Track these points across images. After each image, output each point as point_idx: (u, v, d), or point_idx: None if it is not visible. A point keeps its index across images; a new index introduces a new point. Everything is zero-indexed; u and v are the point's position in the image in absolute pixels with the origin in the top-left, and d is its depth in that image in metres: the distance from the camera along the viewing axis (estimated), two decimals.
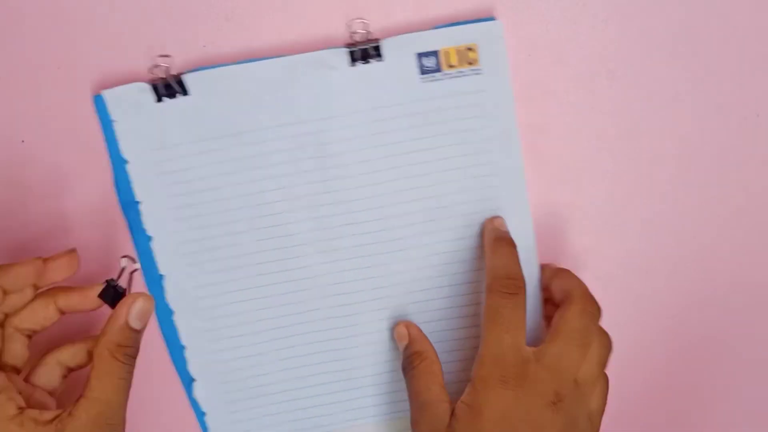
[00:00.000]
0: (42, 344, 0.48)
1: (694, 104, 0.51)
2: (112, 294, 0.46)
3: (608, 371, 0.49)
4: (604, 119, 0.51)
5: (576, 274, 0.50)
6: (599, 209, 0.52)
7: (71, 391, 0.47)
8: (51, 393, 0.46)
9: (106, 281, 0.46)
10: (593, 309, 0.46)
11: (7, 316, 0.45)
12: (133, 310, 0.44)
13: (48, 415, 0.42)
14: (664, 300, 0.53)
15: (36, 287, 0.46)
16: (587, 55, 0.50)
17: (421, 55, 0.48)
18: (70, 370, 0.47)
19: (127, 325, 0.44)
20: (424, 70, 0.49)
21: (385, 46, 0.48)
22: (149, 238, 0.50)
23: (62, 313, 0.46)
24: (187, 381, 0.52)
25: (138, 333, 0.44)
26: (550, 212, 0.52)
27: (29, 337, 0.46)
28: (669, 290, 0.53)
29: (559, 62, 0.50)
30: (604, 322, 0.50)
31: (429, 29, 0.48)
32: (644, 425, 0.55)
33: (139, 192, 0.49)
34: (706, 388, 0.54)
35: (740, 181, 0.52)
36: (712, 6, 0.49)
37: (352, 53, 0.48)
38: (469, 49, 0.48)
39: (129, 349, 0.43)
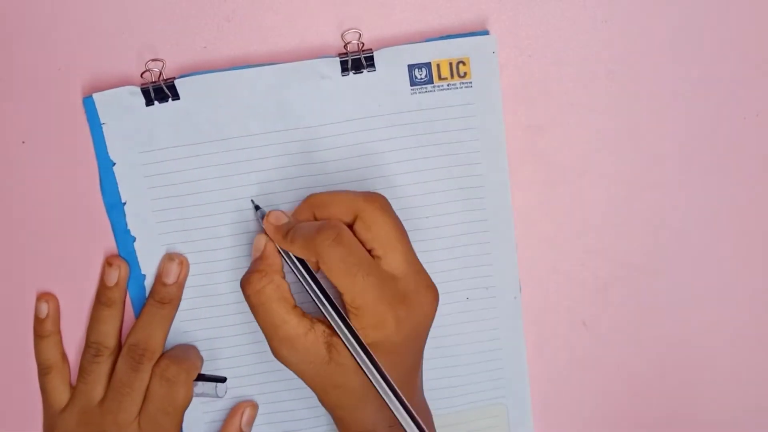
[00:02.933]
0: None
1: (694, 104, 0.51)
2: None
3: (607, 370, 0.50)
4: (604, 119, 0.51)
5: (570, 275, 0.51)
6: (599, 209, 0.52)
7: None
8: None
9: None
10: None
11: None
12: (244, 417, 0.52)
13: None
14: (665, 300, 0.54)
15: None
16: (587, 55, 0.50)
17: (413, 67, 0.49)
18: None
19: (240, 429, 0.52)
20: (415, 82, 0.49)
21: (378, 57, 0.48)
22: (133, 239, 0.50)
23: None
24: None
25: None
26: (550, 212, 0.52)
27: None
28: (669, 290, 0.54)
29: (559, 62, 0.50)
30: (605, 323, 0.51)
31: (422, 41, 0.48)
32: (644, 423, 0.56)
33: (125, 193, 0.49)
34: (705, 381, 0.55)
35: (740, 181, 0.52)
36: (712, 6, 0.49)
37: (344, 63, 0.48)
38: (461, 62, 0.49)
39: None
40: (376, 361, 0.43)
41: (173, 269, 0.50)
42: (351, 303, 0.43)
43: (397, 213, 0.49)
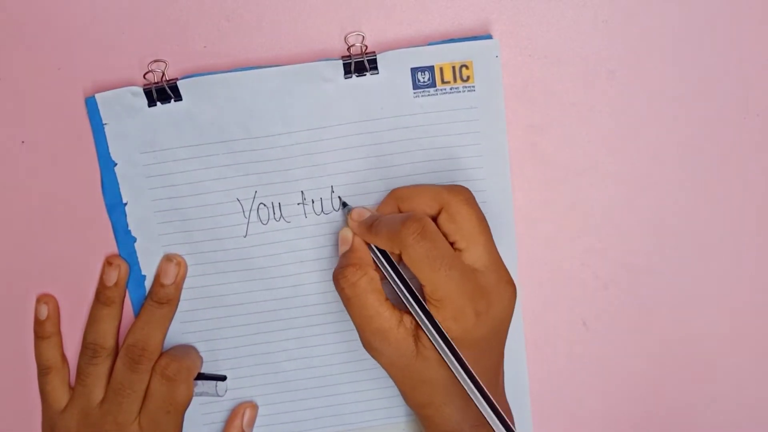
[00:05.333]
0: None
1: (694, 104, 0.51)
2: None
3: (607, 370, 0.50)
4: (604, 119, 0.51)
5: (570, 275, 0.51)
6: (599, 209, 0.52)
7: None
8: None
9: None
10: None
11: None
12: (245, 418, 0.52)
13: None
14: (665, 300, 0.54)
15: None
16: (587, 55, 0.50)
17: (416, 70, 0.49)
18: None
19: (242, 430, 0.52)
20: (418, 85, 0.49)
21: (381, 60, 0.48)
22: (133, 239, 0.50)
23: None
24: None
25: None
26: (551, 212, 0.52)
27: None
28: (669, 290, 0.53)
29: (559, 62, 0.50)
30: (605, 323, 0.51)
31: (425, 45, 0.49)
32: (643, 423, 0.56)
33: (126, 194, 0.50)
34: (705, 381, 0.55)
35: (740, 181, 0.52)
36: (712, 6, 0.49)
37: (347, 65, 0.48)
38: (464, 66, 0.49)
39: None
40: (459, 354, 0.44)
41: (171, 270, 0.50)
42: (432, 295, 0.43)
43: None
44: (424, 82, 0.49)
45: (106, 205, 0.50)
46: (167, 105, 0.48)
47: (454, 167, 0.50)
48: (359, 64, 0.48)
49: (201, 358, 0.52)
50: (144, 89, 0.48)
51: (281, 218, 0.50)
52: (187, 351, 0.51)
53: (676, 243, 0.53)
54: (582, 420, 0.55)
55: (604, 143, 0.51)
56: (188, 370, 0.49)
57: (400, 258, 0.44)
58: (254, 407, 0.53)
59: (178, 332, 0.52)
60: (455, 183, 0.49)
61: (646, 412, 0.55)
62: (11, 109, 0.49)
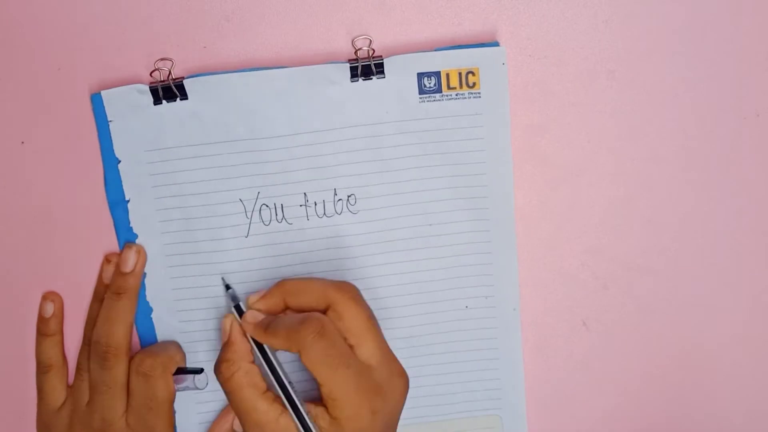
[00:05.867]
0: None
1: (694, 104, 0.51)
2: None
3: (607, 370, 0.50)
4: (604, 119, 0.51)
5: (570, 275, 0.51)
6: (599, 209, 0.52)
7: None
8: None
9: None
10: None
11: None
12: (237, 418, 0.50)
13: None
14: (665, 300, 0.53)
15: None
16: (587, 55, 0.50)
17: (422, 75, 0.49)
18: None
19: (232, 429, 0.52)
20: (424, 90, 0.49)
21: (388, 64, 0.49)
22: (135, 237, 0.50)
23: None
24: None
25: None
26: (550, 212, 0.52)
27: None
28: (669, 290, 0.53)
29: (559, 62, 0.50)
30: (605, 323, 0.51)
31: (432, 50, 0.49)
32: (643, 423, 0.55)
33: (129, 191, 0.50)
34: (705, 382, 0.54)
35: (740, 181, 0.52)
36: (713, 6, 0.50)
37: (354, 69, 0.49)
38: (471, 72, 0.49)
39: None
40: None
41: (131, 257, 0.50)
42: (329, 395, 0.44)
43: (401, 220, 0.50)
44: (430, 87, 0.49)
45: (109, 202, 0.50)
46: (173, 103, 0.49)
47: (458, 173, 0.50)
48: (366, 68, 0.49)
49: (182, 353, 0.51)
50: (150, 87, 0.48)
51: (283, 219, 0.51)
52: (164, 346, 0.51)
53: (676, 243, 0.53)
54: (581, 420, 0.55)
55: (604, 143, 0.51)
56: (164, 366, 0.49)
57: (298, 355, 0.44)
58: None
59: (176, 330, 0.52)
60: (456, 189, 0.49)
61: (646, 412, 0.55)
62: (11, 109, 0.50)
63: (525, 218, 0.52)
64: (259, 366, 0.46)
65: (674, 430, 0.55)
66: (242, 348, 0.46)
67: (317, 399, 0.45)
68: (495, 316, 0.52)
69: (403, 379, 0.46)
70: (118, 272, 0.50)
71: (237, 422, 0.51)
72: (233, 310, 0.47)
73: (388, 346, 0.46)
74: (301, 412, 0.44)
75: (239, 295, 0.49)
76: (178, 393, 0.50)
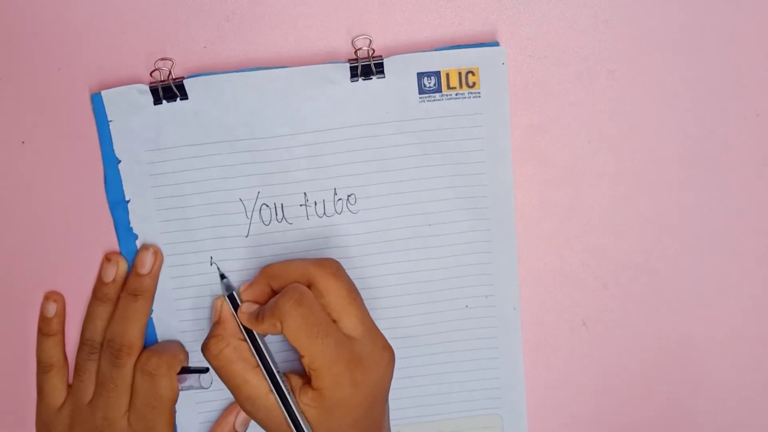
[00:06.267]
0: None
1: (694, 104, 0.51)
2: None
3: (607, 370, 0.50)
4: (604, 119, 0.51)
5: (570, 274, 0.51)
6: (599, 209, 0.52)
7: None
8: None
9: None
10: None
11: None
12: (239, 417, 0.52)
13: None
14: (665, 300, 0.53)
15: None
16: (587, 55, 0.50)
17: (422, 75, 0.49)
18: None
19: (234, 429, 0.52)
20: (424, 90, 0.49)
21: (388, 64, 0.49)
22: (135, 237, 0.50)
23: None
24: None
25: None
26: (550, 212, 0.52)
27: None
28: (669, 290, 0.53)
29: (559, 62, 0.50)
30: (605, 323, 0.50)
31: (432, 50, 0.49)
32: (643, 423, 0.55)
33: (129, 191, 0.50)
34: (705, 382, 0.54)
35: (740, 181, 0.52)
36: (712, 6, 0.50)
37: (354, 68, 0.49)
38: (471, 72, 0.49)
39: None
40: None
41: (148, 259, 0.50)
42: (310, 365, 0.44)
43: (401, 220, 0.50)
44: (429, 87, 0.49)
45: (109, 201, 0.50)
46: (173, 103, 0.49)
47: (458, 173, 0.50)
48: (366, 68, 0.49)
49: (185, 352, 0.52)
50: (150, 87, 0.48)
51: (283, 219, 0.51)
52: (168, 345, 0.51)
53: (675, 243, 0.53)
54: (581, 420, 0.55)
55: (604, 143, 0.51)
56: (168, 364, 0.49)
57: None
58: None
59: (176, 330, 0.52)
60: (456, 188, 0.49)
61: (646, 412, 0.55)
62: (11, 109, 0.50)
63: (525, 218, 0.52)
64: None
65: (675, 429, 0.55)
66: (232, 326, 0.47)
67: (300, 371, 0.46)
68: (495, 315, 0.52)
69: (387, 351, 0.46)
70: (135, 273, 0.50)
71: (239, 422, 0.52)
72: (227, 299, 0.48)
73: (371, 320, 0.46)
74: (289, 403, 0.45)
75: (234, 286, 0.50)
76: (181, 393, 0.50)
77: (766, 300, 0.54)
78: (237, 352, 0.46)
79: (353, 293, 0.46)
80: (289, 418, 0.45)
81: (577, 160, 0.51)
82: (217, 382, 0.51)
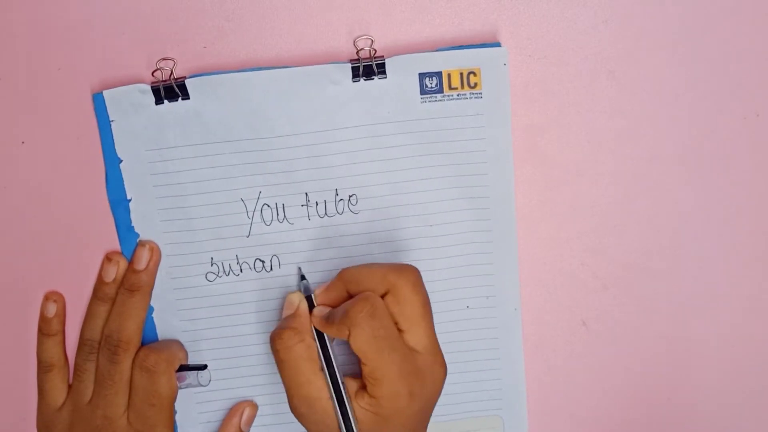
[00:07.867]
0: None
1: (694, 104, 0.51)
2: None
3: (607, 370, 0.49)
4: (604, 119, 0.51)
5: (570, 275, 0.51)
6: (599, 209, 0.52)
7: None
8: None
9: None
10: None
11: None
12: (243, 416, 0.52)
13: None
14: (665, 300, 0.53)
15: None
16: (587, 55, 0.50)
17: (423, 76, 0.49)
18: None
19: (239, 429, 0.52)
20: (425, 91, 0.49)
21: (390, 65, 0.49)
22: (136, 236, 0.51)
23: None
24: None
25: None
26: (550, 212, 0.52)
27: None
28: (669, 290, 0.53)
29: (559, 62, 0.50)
30: (605, 323, 0.50)
31: (434, 50, 0.49)
32: (643, 423, 0.55)
33: (130, 190, 0.50)
34: (705, 382, 0.54)
35: (740, 181, 0.52)
36: (712, 6, 0.50)
37: (356, 69, 0.49)
38: (472, 73, 0.49)
39: None
40: None
41: (144, 255, 0.50)
42: (371, 374, 0.44)
43: (402, 220, 0.51)
44: (431, 87, 0.49)
45: (110, 201, 0.50)
46: (174, 103, 0.49)
47: (459, 173, 0.50)
48: (368, 68, 0.49)
49: (184, 350, 0.52)
50: (152, 87, 0.48)
51: (284, 219, 0.51)
52: (167, 343, 0.51)
53: (675, 243, 0.53)
54: (581, 420, 0.55)
55: (604, 143, 0.51)
56: (167, 362, 0.49)
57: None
58: (254, 406, 0.53)
59: (177, 329, 0.52)
60: (457, 189, 0.49)
61: (646, 412, 0.55)
62: (12, 109, 0.50)
63: (525, 218, 0.52)
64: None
65: (675, 429, 0.55)
66: (306, 323, 0.47)
67: (358, 374, 0.46)
68: (496, 316, 0.52)
69: (443, 369, 0.47)
70: (132, 269, 0.50)
71: (244, 421, 0.52)
72: (304, 300, 0.48)
73: (435, 335, 0.46)
74: (347, 411, 0.45)
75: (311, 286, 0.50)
76: (180, 391, 0.50)
77: (765, 300, 0.54)
78: (309, 350, 0.46)
79: (427, 306, 0.46)
80: (344, 426, 0.45)
81: (577, 160, 0.51)
82: (215, 381, 0.51)
